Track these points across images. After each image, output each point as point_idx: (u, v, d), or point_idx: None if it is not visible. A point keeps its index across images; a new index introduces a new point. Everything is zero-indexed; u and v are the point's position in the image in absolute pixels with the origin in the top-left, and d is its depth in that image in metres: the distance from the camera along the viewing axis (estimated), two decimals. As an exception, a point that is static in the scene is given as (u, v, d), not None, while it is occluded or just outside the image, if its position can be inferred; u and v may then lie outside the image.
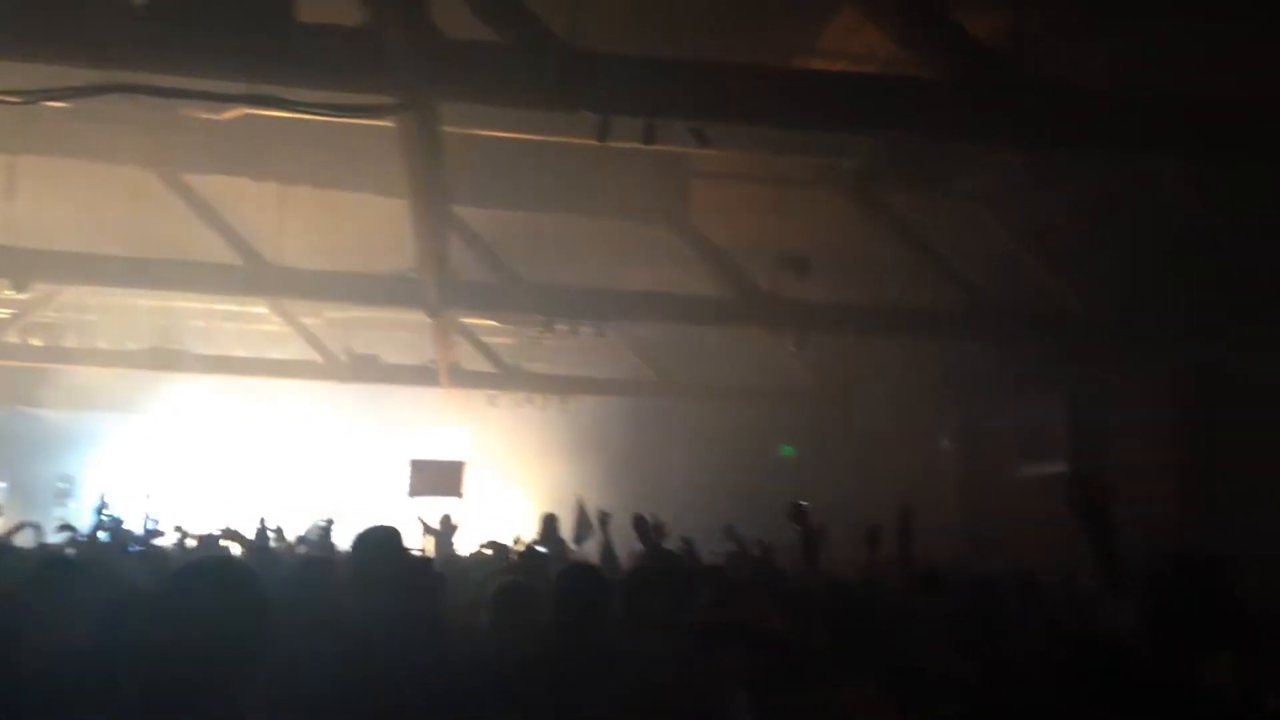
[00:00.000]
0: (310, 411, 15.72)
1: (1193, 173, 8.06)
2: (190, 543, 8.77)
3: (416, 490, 12.89)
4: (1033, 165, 8.95)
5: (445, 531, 11.79)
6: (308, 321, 13.36)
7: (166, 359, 13.27)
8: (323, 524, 8.24)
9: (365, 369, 13.43)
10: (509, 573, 5.64)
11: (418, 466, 13.20)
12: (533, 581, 4.69)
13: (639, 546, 6.43)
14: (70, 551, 7.05)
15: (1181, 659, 2.28)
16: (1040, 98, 5.49)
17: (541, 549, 9.23)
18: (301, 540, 9.09)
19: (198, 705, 2.08)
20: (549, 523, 10.46)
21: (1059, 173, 9.14)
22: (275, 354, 13.93)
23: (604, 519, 7.51)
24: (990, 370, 12.44)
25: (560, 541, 10.16)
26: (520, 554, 8.00)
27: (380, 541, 4.00)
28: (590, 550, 10.31)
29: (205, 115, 8.25)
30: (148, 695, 2.12)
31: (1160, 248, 9.00)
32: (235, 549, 8.61)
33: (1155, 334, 9.56)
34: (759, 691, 3.20)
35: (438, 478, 13.50)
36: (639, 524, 6.09)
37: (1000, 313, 10.11)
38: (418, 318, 11.05)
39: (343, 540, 8.11)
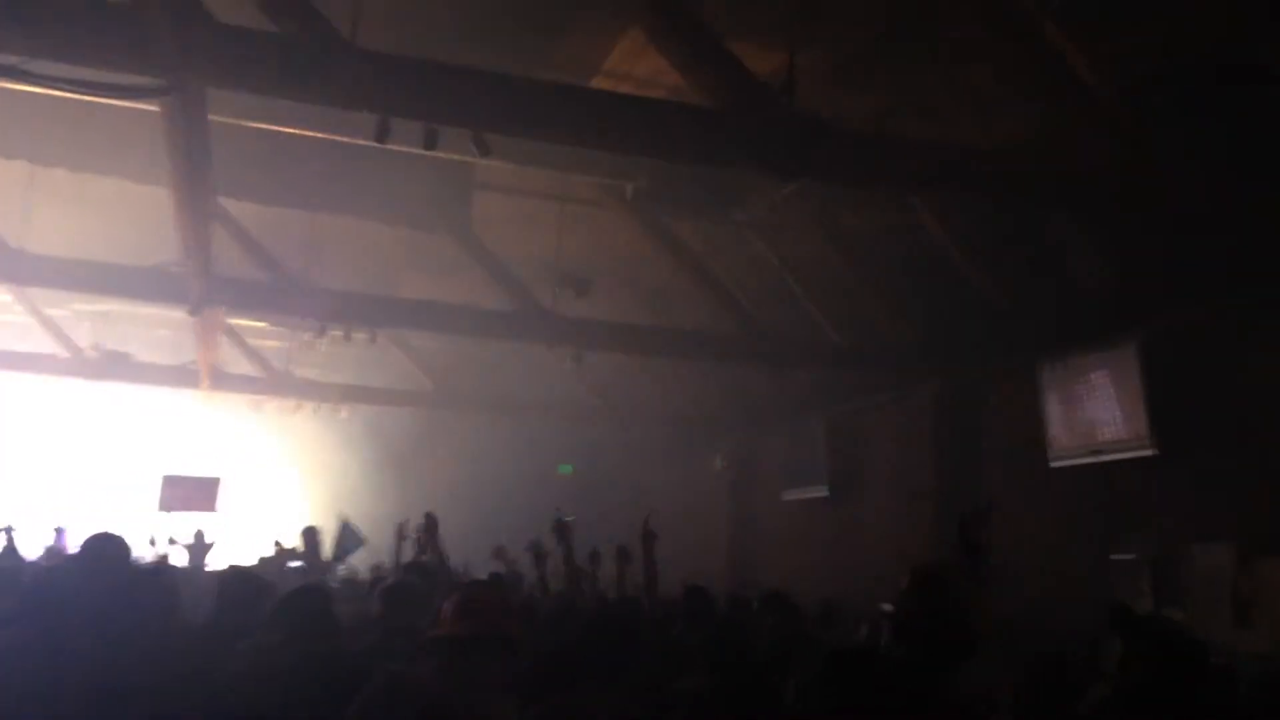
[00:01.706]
0: (65, 412, 14.60)
1: (939, 210, 8.67)
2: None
3: (168, 505, 12.21)
4: (801, 199, 9.40)
5: (197, 547, 11.29)
6: (53, 313, 12.41)
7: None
8: (55, 531, 7.65)
9: (115, 366, 12.57)
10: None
11: (170, 481, 12.52)
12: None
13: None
14: None
15: (928, 669, 2.34)
16: (805, 132, 5.77)
17: (296, 563, 9.00)
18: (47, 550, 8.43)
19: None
20: (310, 535, 10.18)
21: (823, 207, 9.65)
22: (18, 346, 12.84)
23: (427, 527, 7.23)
24: (762, 395, 12.95)
25: (318, 555, 9.90)
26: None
27: (103, 548, 3.77)
28: (356, 562, 10.10)
29: (-57, 82, 7.56)
30: None
31: (911, 280, 9.63)
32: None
33: (904, 362, 10.21)
34: (514, 700, 3.18)
35: (192, 493, 12.84)
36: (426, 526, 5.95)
37: (770, 339, 10.53)
38: (180, 316, 10.48)
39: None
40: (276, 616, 4.40)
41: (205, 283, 8.91)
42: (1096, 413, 8.04)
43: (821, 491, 11.82)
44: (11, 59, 5.34)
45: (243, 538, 12.20)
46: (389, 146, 6.44)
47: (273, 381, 13.29)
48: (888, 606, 2.32)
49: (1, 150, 9.08)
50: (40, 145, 9.01)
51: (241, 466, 14.47)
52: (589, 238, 10.72)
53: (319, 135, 7.75)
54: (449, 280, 11.25)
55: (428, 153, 7.29)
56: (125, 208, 9.66)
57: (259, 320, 12.65)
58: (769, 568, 12.40)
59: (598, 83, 7.72)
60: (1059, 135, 6.90)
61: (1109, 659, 4.73)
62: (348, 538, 10.12)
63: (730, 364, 12.12)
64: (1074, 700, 3.49)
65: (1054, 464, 8.45)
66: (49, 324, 12.24)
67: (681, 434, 14.90)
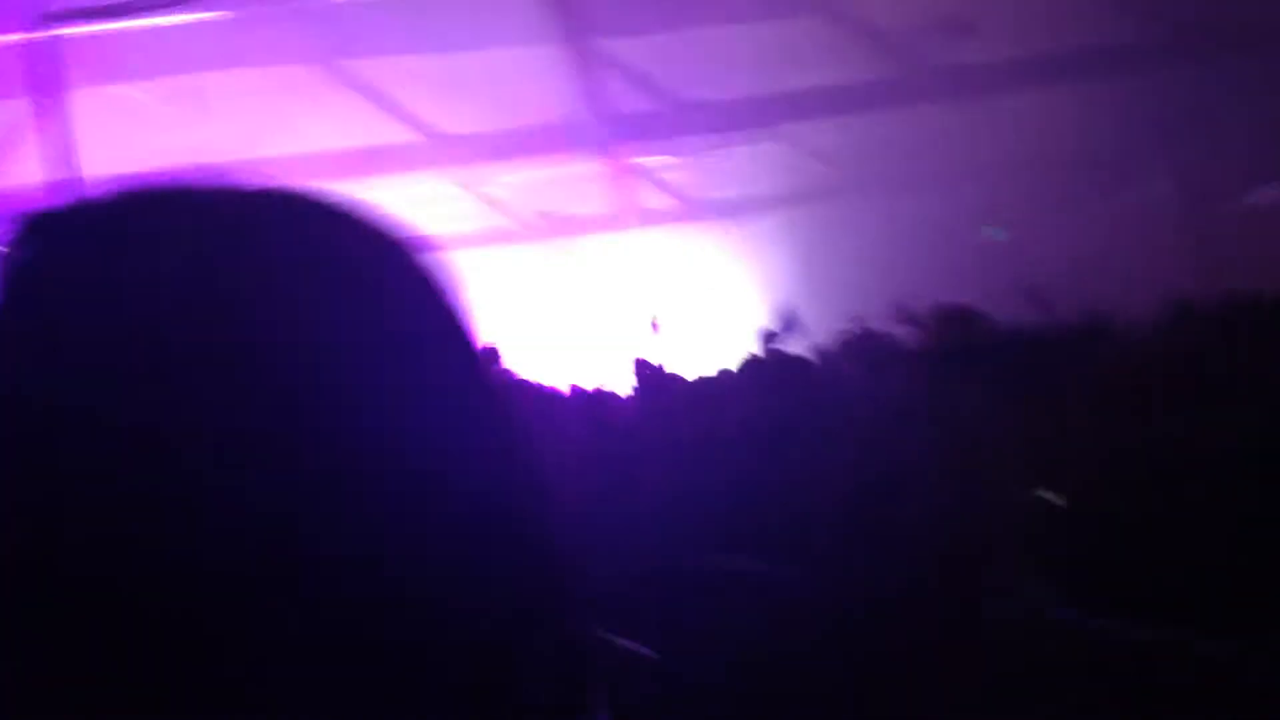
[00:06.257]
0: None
1: None
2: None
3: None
4: None
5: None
6: (491, 191, 13.45)
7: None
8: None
9: (557, 224, 13.34)
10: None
11: None
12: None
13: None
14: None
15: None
16: None
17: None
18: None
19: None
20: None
21: None
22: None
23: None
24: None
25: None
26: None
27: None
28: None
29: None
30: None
31: None
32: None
33: None
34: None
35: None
36: None
37: None
38: (579, 168, 10.93)
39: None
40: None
41: (607, 124, 9.19)
42: None
43: None
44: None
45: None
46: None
47: (688, 207, 13.61)
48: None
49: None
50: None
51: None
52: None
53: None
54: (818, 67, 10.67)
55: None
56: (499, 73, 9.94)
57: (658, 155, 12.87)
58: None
59: None
60: None
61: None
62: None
63: None
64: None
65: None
66: (490, 200, 13.25)
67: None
